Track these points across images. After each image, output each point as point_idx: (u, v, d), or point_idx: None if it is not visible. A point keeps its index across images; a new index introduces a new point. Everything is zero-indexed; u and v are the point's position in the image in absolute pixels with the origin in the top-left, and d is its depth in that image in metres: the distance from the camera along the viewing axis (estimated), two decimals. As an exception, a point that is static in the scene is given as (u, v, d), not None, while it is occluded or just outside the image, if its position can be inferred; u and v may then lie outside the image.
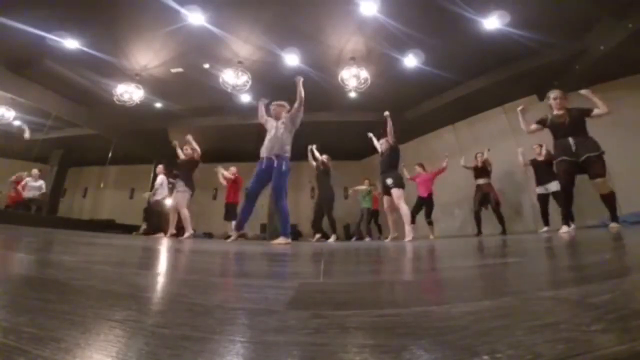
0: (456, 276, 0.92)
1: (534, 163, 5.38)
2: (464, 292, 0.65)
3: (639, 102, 5.34)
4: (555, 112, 3.64)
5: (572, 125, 3.47)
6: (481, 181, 5.73)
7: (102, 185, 11.37)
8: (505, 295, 0.58)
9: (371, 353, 0.29)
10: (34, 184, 7.42)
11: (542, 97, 6.46)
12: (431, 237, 5.83)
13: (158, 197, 6.42)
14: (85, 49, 5.74)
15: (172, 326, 0.37)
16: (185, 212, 5.00)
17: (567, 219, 3.60)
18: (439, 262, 1.45)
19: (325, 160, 5.86)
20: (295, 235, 9.30)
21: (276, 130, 3.59)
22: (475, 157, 5.86)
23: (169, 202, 6.06)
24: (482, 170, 5.75)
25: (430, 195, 6.04)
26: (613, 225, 3.38)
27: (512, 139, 6.56)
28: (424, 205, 6.09)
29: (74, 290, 0.59)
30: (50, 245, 1.89)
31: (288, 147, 3.57)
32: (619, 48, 4.88)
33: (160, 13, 4.93)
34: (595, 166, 3.31)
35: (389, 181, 4.45)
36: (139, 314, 0.43)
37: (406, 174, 6.01)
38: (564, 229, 3.53)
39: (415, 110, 7.96)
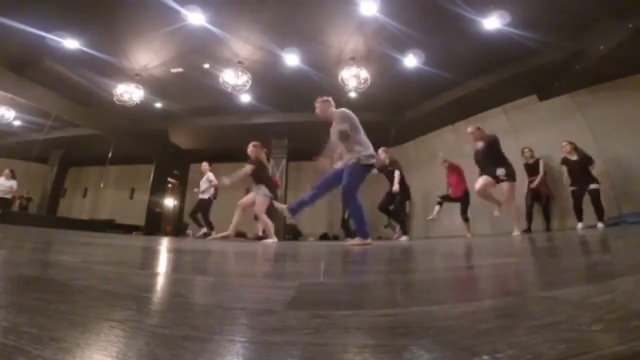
0: (458, 276, 0.92)
1: (567, 162, 5.11)
2: (464, 292, 0.65)
3: (639, 101, 5.33)
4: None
5: None
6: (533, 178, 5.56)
7: (102, 185, 11.37)
8: (505, 295, 0.58)
9: (371, 353, 0.29)
10: (5, 184, 7.38)
11: (542, 97, 6.49)
12: (468, 235, 5.52)
13: (206, 195, 5.98)
14: (85, 49, 5.74)
15: (172, 326, 0.37)
16: (265, 218, 4.49)
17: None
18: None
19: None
20: (295, 235, 9.31)
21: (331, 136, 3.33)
22: (523, 154, 5.67)
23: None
24: (532, 167, 5.60)
25: (465, 193, 5.76)
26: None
27: (513, 138, 6.55)
28: (458, 201, 5.86)
29: (74, 290, 0.59)
30: (50, 245, 1.89)
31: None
32: (619, 48, 4.87)
33: (160, 13, 4.93)
34: None
35: (500, 172, 4.14)
36: (139, 314, 0.43)
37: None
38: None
39: (415, 110, 7.94)
